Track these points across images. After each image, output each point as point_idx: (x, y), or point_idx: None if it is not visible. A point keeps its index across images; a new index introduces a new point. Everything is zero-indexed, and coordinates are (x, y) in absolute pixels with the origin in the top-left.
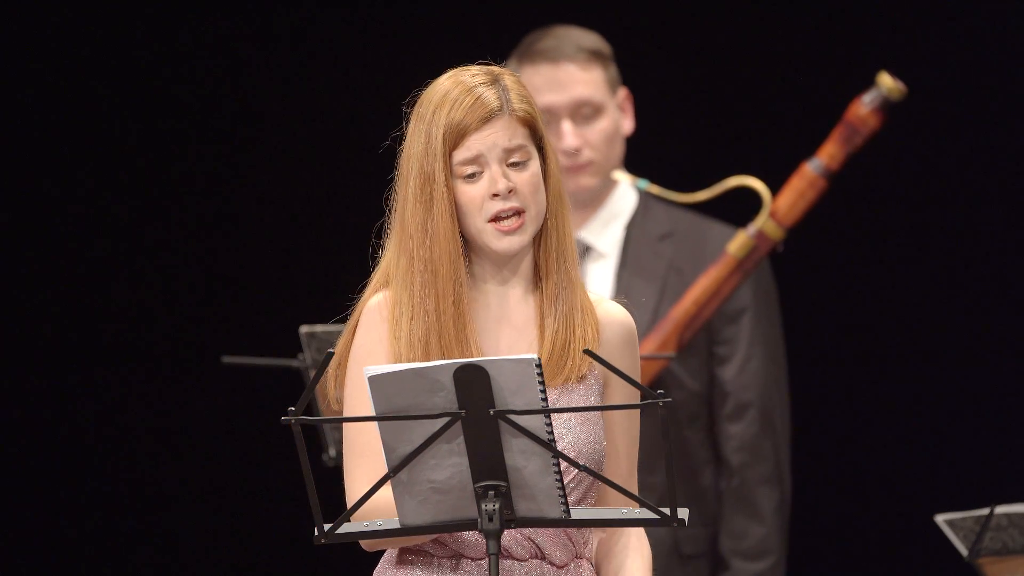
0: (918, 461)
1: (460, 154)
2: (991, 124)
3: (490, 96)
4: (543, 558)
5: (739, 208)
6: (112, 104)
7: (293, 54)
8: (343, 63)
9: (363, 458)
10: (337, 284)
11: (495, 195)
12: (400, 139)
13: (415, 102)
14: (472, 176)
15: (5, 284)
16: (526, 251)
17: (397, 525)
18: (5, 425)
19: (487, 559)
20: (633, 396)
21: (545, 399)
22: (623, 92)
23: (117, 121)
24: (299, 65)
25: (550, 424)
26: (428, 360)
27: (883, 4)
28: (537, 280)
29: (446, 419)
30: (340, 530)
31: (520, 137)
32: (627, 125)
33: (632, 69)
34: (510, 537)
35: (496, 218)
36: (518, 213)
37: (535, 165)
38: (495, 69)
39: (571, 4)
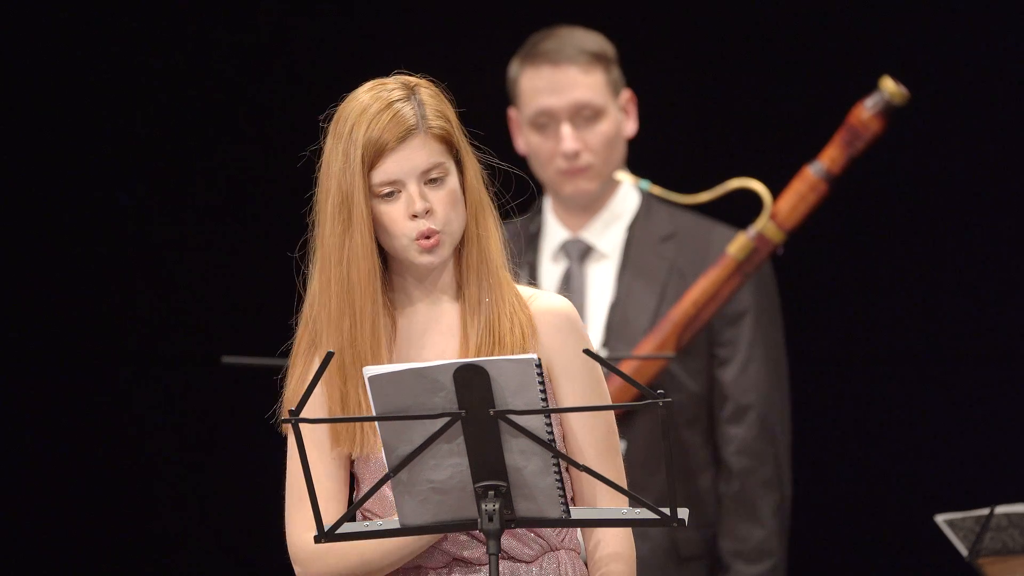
0: (918, 461)
1: (378, 175)
2: (993, 129)
3: (406, 112)
4: (508, 558)
5: (740, 210)
6: (116, 105)
7: (295, 56)
8: (343, 64)
9: (305, 505)
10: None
11: (414, 216)
12: (318, 154)
13: (331, 116)
14: (390, 195)
15: (4, 284)
16: (450, 262)
17: (397, 525)
18: (4, 425)
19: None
20: (595, 387)
21: (545, 399)
22: (627, 94)
23: (121, 123)
24: (300, 65)
25: (550, 424)
26: (344, 380)
27: (886, 8)
28: (459, 289)
29: (446, 419)
30: (340, 530)
31: (437, 155)
32: (630, 127)
33: (635, 70)
34: (472, 546)
35: (419, 237)
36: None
37: (452, 180)
38: (411, 81)
39: (574, 4)
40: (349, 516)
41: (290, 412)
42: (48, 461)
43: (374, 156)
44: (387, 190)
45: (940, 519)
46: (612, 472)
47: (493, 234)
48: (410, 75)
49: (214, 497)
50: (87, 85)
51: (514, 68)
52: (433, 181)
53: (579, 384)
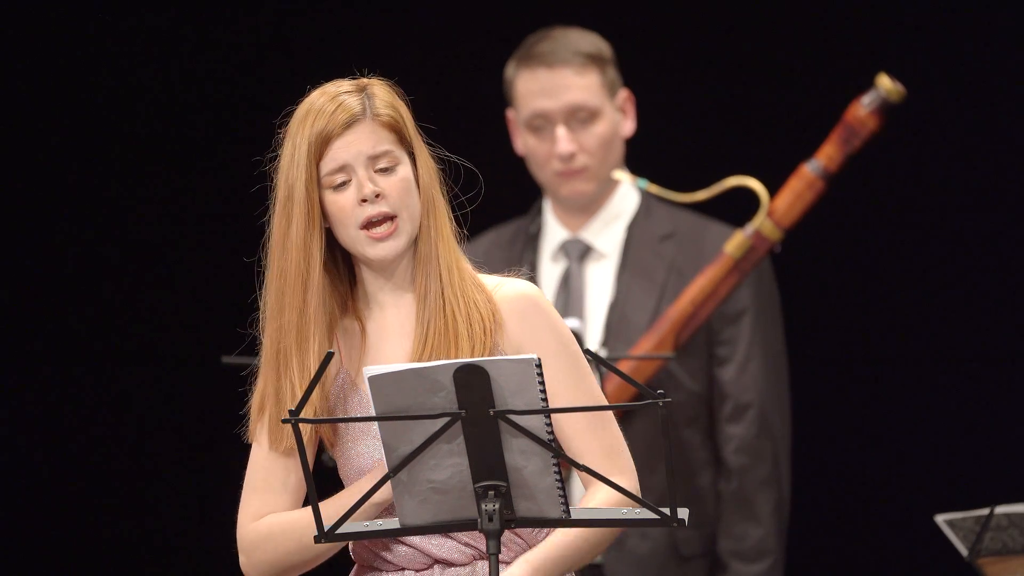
0: (918, 461)
1: (327, 164)
2: (990, 126)
3: (352, 102)
4: (486, 558)
5: (737, 208)
6: (117, 106)
7: (296, 57)
8: (343, 65)
9: (256, 493)
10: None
11: (363, 200)
12: (277, 158)
13: (287, 122)
14: (342, 185)
15: (5, 284)
16: (408, 259)
17: (397, 525)
18: (4, 425)
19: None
20: (573, 364)
21: (545, 399)
22: (624, 94)
23: (122, 123)
24: (301, 66)
25: (550, 424)
26: (277, 374)
27: (883, 5)
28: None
29: (446, 419)
30: (340, 530)
31: (386, 143)
32: (627, 127)
33: (632, 69)
34: (451, 547)
35: (368, 224)
36: (390, 219)
37: (404, 170)
38: (365, 80)
39: (573, 4)
40: (347, 517)
41: (290, 412)
42: (48, 460)
43: (321, 146)
44: (339, 179)
45: (940, 519)
46: (604, 441)
47: (445, 230)
48: (365, 78)
49: (214, 497)
50: (88, 84)
51: (510, 70)
52: (384, 170)
53: (556, 364)
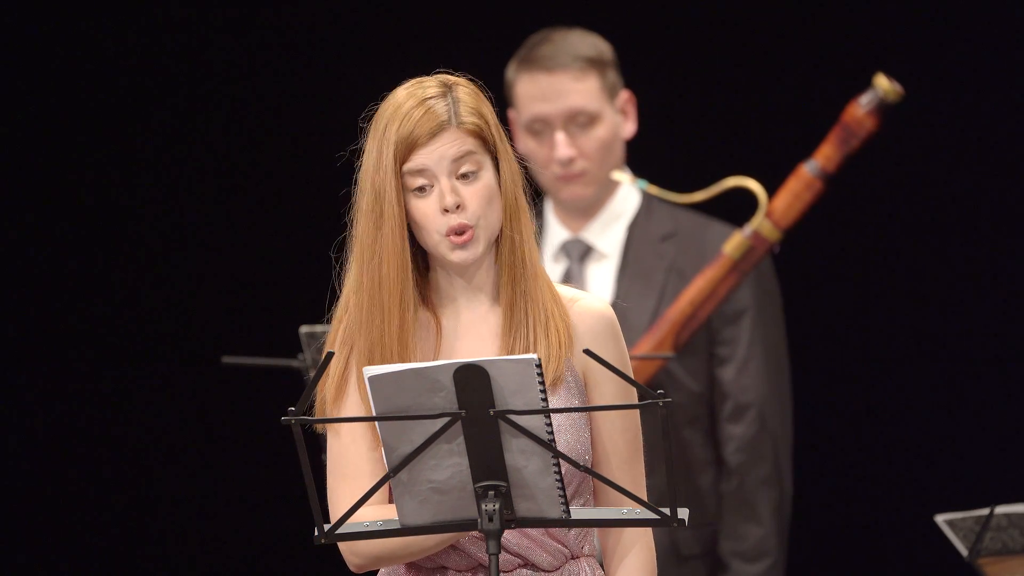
0: (918, 461)
1: (410, 168)
2: (988, 126)
3: (439, 108)
4: (531, 566)
5: (736, 209)
6: (118, 106)
7: (296, 58)
8: (345, 65)
9: (347, 481)
10: (337, 284)
11: (445, 210)
12: (359, 153)
13: (371, 116)
14: (423, 190)
15: (5, 284)
16: (488, 261)
17: (397, 525)
18: (4, 425)
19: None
20: (626, 392)
21: (545, 399)
22: (625, 95)
23: (122, 123)
24: (301, 67)
25: (550, 424)
26: None
27: (880, 6)
28: (497, 290)
29: (446, 419)
30: (340, 530)
31: (469, 149)
32: (628, 128)
33: (631, 69)
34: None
35: (449, 232)
36: (469, 228)
37: (487, 176)
38: (450, 79)
39: (571, 4)
40: (349, 515)
41: (290, 412)
42: (48, 461)
43: (406, 151)
44: (419, 183)
45: (940, 519)
46: (638, 472)
47: (528, 237)
48: (451, 74)
49: (214, 497)
50: (89, 84)
51: (511, 72)
52: (466, 176)
53: (615, 388)
